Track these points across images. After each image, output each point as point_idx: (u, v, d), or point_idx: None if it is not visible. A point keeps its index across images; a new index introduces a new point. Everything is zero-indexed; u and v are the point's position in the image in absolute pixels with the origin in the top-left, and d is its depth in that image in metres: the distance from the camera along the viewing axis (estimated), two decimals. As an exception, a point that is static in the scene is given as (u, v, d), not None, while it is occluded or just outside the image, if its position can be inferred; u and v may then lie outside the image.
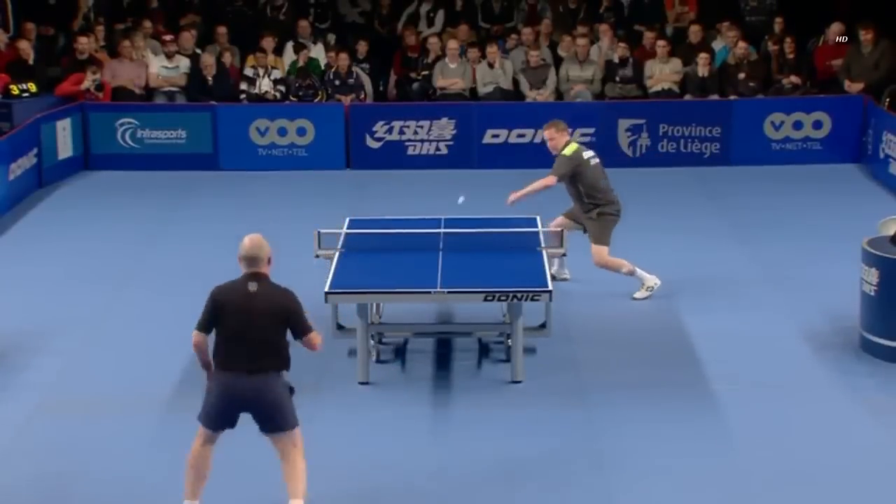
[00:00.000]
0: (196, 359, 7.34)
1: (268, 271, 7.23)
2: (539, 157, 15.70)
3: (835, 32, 17.00)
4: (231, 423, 7.19)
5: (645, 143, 16.19)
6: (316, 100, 16.56)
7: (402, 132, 16.24)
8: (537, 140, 15.98)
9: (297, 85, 16.59)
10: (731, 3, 18.17)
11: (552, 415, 8.82)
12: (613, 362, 9.75)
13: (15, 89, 15.61)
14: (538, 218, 10.52)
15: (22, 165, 14.79)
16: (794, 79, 16.60)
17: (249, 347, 7.03)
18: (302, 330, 7.19)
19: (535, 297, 9.10)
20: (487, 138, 16.18)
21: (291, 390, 7.19)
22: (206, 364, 7.25)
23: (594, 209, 10.93)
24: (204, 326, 7.22)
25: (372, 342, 9.66)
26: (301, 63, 16.78)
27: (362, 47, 17.30)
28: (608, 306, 10.94)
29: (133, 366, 9.73)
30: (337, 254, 9.83)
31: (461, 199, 9.77)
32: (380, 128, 16.25)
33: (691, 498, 7.65)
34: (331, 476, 7.98)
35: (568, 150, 11.04)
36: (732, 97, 16.43)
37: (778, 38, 16.86)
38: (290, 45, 17.23)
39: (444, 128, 16.18)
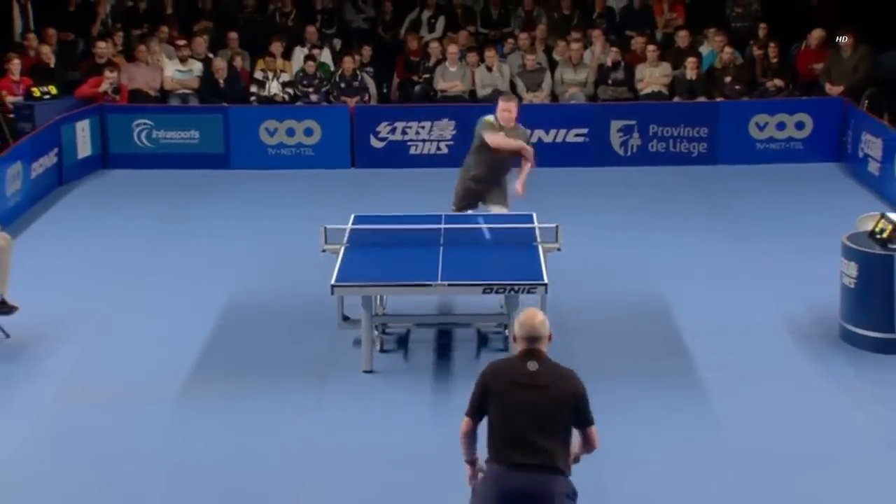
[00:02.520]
0: (462, 449, 6.02)
1: (546, 350, 6.01)
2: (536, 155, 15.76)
3: (816, 38, 17.01)
4: None
5: (636, 143, 16.16)
6: (324, 89, 16.55)
7: (404, 132, 16.22)
8: (533, 140, 15.95)
9: (304, 82, 16.58)
10: (717, 9, 18.17)
11: (547, 402, 8.79)
12: (606, 352, 9.72)
13: (37, 92, 15.61)
14: (534, 214, 10.48)
15: (43, 164, 14.78)
16: (777, 82, 16.60)
17: (530, 438, 5.73)
18: (587, 419, 5.96)
19: (532, 290, 9.10)
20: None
21: (573, 495, 5.84)
22: (470, 459, 6.01)
23: (508, 173, 11.02)
24: (473, 412, 5.93)
25: (376, 332, 9.65)
26: (307, 64, 16.76)
27: (367, 52, 17.27)
28: (601, 299, 10.91)
29: (148, 355, 9.71)
30: (342, 248, 9.79)
31: None
32: (383, 128, 16.24)
33: (681, 482, 7.63)
34: (336, 461, 7.98)
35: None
36: (719, 99, 16.40)
37: (762, 44, 16.88)
38: (297, 50, 17.22)
39: (445, 128, 16.15)
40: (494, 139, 10.71)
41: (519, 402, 5.76)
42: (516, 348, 6.00)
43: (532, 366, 5.86)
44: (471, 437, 5.93)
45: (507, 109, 10.84)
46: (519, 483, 5.67)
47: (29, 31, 17.34)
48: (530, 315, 6.04)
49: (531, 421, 5.72)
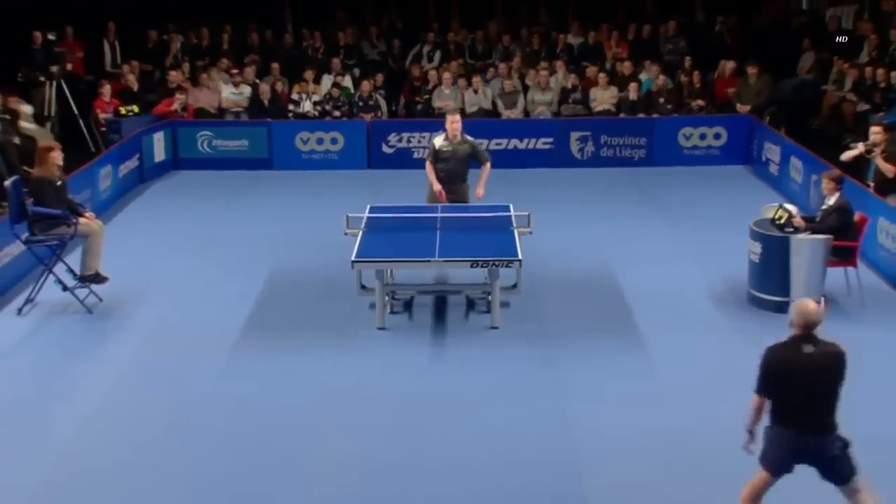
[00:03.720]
0: (749, 416, 5.75)
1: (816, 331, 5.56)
2: (511, 159, 15.74)
3: (729, 68, 17.00)
4: (790, 471, 5.69)
5: (590, 150, 16.09)
6: (343, 109, 16.46)
7: (409, 141, 16.13)
8: (510, 147, 15.99)
9: (330, 104, 16.53)
10: (653, 46, 18.09)
11: (521, 352, 8.78)
12: (568, 312, 9.69)
13: (123, 110, 15.57)
14: (510, 205, 10.42)
15: (128, 166, 14.72)
16: (699, 102, 16.54)
17: (813, 407, 5.50)
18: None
19: (509, 265, 9.07)
20: (473, 146, 16.08)
21: (846, 444, 5.58)
22: (752, 425, 5.73)
23: (463, 179, 10.72)
24: (763, 390, 5.63)
25: (387, 298, 9.60)
26: (333, 88, 16.71)
27: (380, 78, 17.19)
28: (565, 272, 10.86)
29: (208, 315, 9.67)
30: (360, 232, 9.74)
31: None
32: (392, 138, 16.15)
33: (623, 409, 7.62)
34: (355, 397, 7.95)
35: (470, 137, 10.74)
36: (654, 115, 16.33)
37: (688, 72, 16.82)
38: (325, 77, 17.15)
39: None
40: (427, 167, 10.64)
41: (800, 382, 5.48)
42: (791, 332, 5.60)
43: (808, 349, 5.51)
44: (759, 410, 5.66)
45: (454, 121, 10.61)
46: (807, 445, 5.52)
47: (116, 63, 17.32)
48: (813, 306, 5.58)
49: (813, 395, 5.48)
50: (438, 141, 10.68)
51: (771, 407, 5.62)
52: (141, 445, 7.19)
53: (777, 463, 5.63)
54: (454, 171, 10.62)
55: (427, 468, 6.85)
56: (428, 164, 10.71)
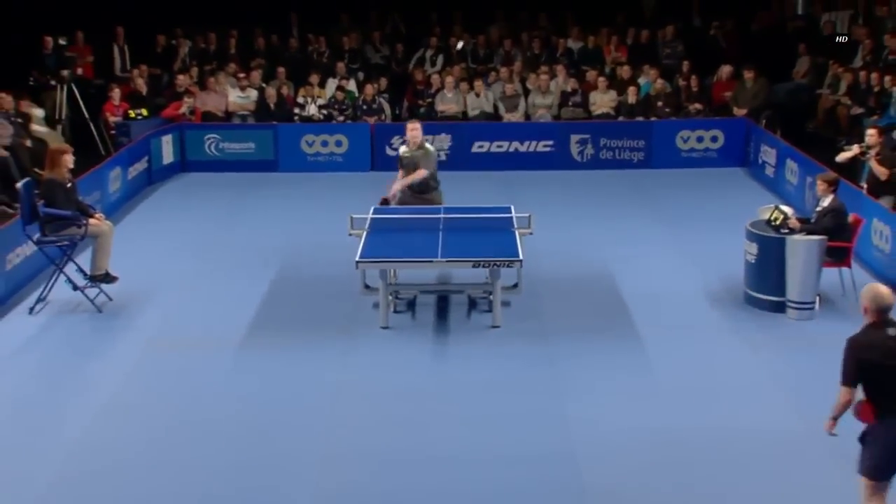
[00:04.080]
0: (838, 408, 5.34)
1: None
2: (512, 161, 15.77)
3: (726, 72, 16.99)
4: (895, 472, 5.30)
5: (590, 152, 16.09)
6: (347, 113, 16.49)
7: (412, 144, 16.15)
8: (511, 150, 15.99)
9: (334, 108, 16.55)
10: (651, 50, 18.10)
11: (521, 350, 8.79)
12: (567, 311, 9.69)
13: (132, 113, 15.58)
14: (512, 206, 10.43)
15: (137, 168, 14.73)
16: (697, 106, 16.54)
17: None
18: None
19: (510, 265, 9.07)
20: (475, 148, 16.06)
21: None
22: (840, 415, 5.31)
23: (435, 189, 10.48)
24: (852, 382, 5.26)
25: (390, 297, 9.60)
26: (337, 92, 16.72)
27: (383, 82, 17.20)
28: (564, 272, 10.86)
29: (215, 314, 9.68)
30: (364, 232, 9.75)
31: None
32: (396, 141, 16.06)
33: (620, 406, 7.63)
34: (359, 394, 7.96)
35: (431, 147, 10.53)
36: (653, 119, 16.33)
37: (686, 76, 16.83)
38: (330, 80, 17.16)
39: (443, 141, 16.04)
40: (392, 185, 10.41)
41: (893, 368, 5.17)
42: (866, 319, 5.36)
43: (892, 331, 5.25)
44: (849, 404, 5.28)
45: (413, 129, 10.45)
46: None
47: (126, 68, 17.36)
48: (886, 290, 5.33)
49: None
50: (403, 149, 10.63)
51: (875, 400, 5.27)
52: (149, 441, 7.20)
53: (885, 463, 5.24)
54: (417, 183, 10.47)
55: (429, 463, 6.86)
56: (400, 172, 10.59)
